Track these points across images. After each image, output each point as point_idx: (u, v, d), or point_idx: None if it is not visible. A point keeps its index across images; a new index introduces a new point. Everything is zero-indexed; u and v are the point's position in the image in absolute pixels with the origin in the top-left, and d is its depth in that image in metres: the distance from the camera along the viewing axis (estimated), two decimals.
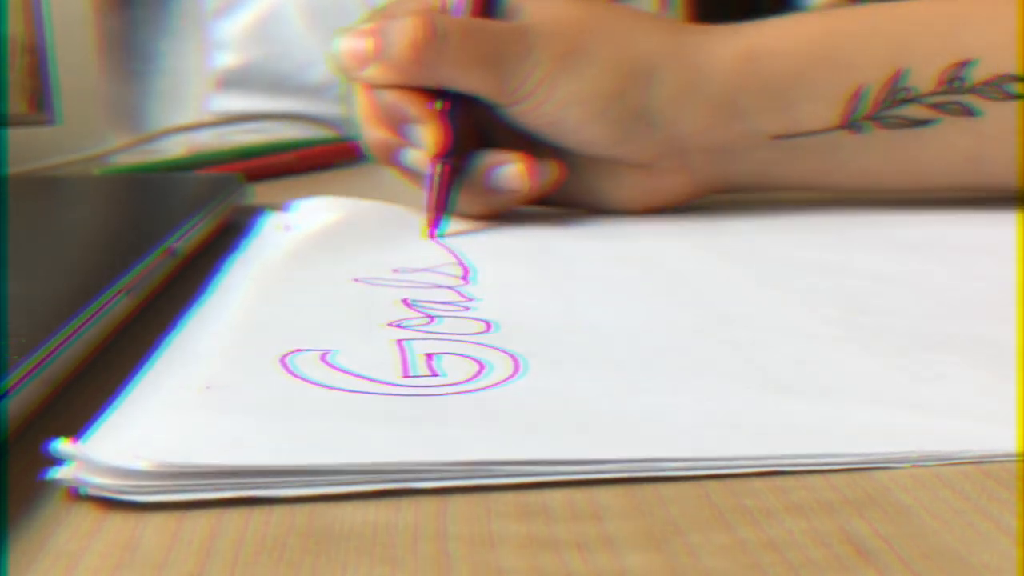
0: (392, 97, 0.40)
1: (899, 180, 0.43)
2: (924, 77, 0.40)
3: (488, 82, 0.39)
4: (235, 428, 0.20)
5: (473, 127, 0.41)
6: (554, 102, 0.40)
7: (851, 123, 0.41)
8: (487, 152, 0.41)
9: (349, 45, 0.40)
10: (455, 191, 0.40)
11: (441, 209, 0.40)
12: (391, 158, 0.42)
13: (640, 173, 0.43)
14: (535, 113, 0.40)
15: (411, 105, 0.40)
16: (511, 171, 0.40)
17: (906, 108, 0.41)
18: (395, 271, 0.34)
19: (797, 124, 0.41)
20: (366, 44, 0.39)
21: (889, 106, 0.41)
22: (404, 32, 0.39)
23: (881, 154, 0.42)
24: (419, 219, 0.40)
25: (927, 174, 0.42)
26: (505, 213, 0.43)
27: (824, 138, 0.41)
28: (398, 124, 0.41)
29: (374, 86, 0.41)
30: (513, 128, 0.42)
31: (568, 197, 0.44)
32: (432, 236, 0.39)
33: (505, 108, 0.41)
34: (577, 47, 0.40)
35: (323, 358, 0.24)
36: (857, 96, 0.41)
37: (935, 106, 0.40)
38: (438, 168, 0.40)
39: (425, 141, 0.40)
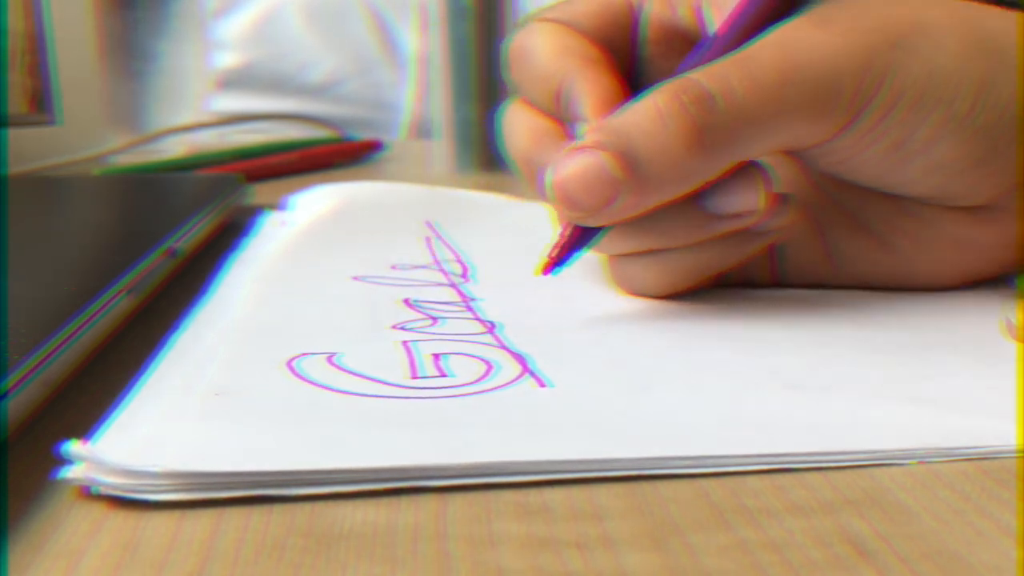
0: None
1: None
2: None
3: (810, 126, 0.26)
4: (248, 434, 0.20)
5: None
6: (900, 115, 0.26)
7: None
8: None
9: (577, 178, 0.25)
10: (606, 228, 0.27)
11: (579, 244, 0.27)
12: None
13: (968, 223, 0.29)
14: (870, 138, 0.27)
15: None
16: (738, 185, 0.27)
17: None
18: (393, 267, 0.34)
19: None
20: (606, 167, 0.25)
21: None
22: (659, 122, 0.25)
23: None
24: (541, 251, 0.28)
25: None
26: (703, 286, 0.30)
27: None
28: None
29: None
30: None
31: (841, 265, 0.30)
32: (548, 272, 0.27)
33: (814, 150, 0.27)
34: (919, 21, 0.27)
35: (330, 360, 0.24)
36: None
37: None
38: None
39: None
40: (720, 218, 0.27)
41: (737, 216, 0.27)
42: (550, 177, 0.26)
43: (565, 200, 0.26)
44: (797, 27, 0.27)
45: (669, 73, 0.28)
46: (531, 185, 0.30)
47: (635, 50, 0.32)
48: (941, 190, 0.28)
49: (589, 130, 0.26)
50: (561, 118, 0.30)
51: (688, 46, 0.30)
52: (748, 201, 0.27)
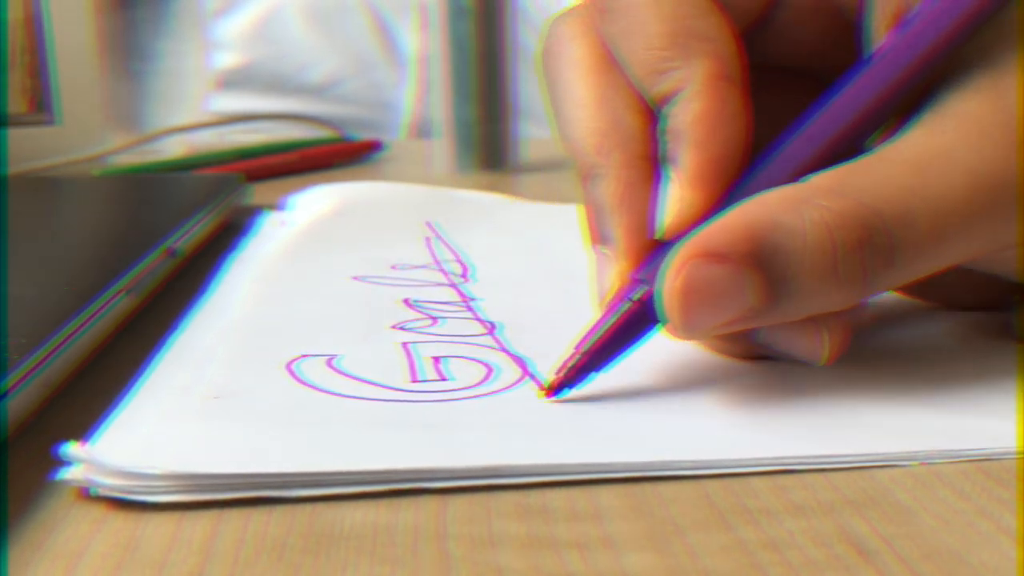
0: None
1: None
2: None
3: (987, 243, 0.22)
4: (248, 436, 0.20)
5: None
6: None
7: None
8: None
9: (708, 298, 0.21)
10: (638, 342, 0.23)
11: (595, 365, 0.23)
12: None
13: None
14: None
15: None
16: (807, 336, 0.22)
17: None
18: (393, 267, 0.34)
19: None
20: (745, 289, 0.20)
21: None
22: (830, 261, 0.20)
23: None
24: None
25: None
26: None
27: None
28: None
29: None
30: None
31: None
32: (552, 395, 0.22)
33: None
34: None
35: (329, 363, 0.24)
36: None
37: None
38: (626, 303, 0.23)
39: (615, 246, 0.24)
40: (781, 353, 0.23)
41: (799, 359, 0.23)
42: (674, 283, 0.21)
43: (682, 318, 0.21)
44: (991, 116, 0.21)
45: (803, 43, 0.25)
46: (582, 183, 0.25)
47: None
48: None
49: (730, 232, 0.21)
50: (651, 104, 0.24)
51: (838, 23, 0.25)
52: (810, 351, 0.22)
